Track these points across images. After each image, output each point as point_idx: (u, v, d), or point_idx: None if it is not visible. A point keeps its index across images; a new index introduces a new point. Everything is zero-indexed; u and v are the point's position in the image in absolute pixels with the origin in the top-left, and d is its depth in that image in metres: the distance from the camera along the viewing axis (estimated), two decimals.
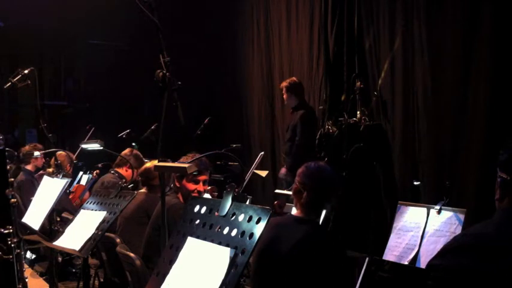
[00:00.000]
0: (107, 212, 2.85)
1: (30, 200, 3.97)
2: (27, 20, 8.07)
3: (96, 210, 2.97)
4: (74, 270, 5.32)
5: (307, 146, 5.44)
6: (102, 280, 4.03)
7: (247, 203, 4.04)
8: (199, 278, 1.52)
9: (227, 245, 1.52)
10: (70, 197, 5.69)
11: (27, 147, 5.67)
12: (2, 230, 0.95)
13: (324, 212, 3.22)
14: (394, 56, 4.73)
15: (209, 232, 1.62)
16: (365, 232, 4.51)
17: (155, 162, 2.35)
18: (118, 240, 3.35)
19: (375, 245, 4.12)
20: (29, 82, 4.40)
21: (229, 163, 6.44)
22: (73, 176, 6.25)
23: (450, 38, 4.15)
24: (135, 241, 3.46)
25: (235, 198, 1.62)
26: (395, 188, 4.62)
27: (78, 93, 10.18)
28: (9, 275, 0.95)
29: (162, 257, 1.75)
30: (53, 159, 5.18)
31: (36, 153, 5.39)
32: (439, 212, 2.66)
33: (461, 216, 2.57)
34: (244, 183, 4.46)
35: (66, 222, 3.23)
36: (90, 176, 6.39)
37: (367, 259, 2.17)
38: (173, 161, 2.47)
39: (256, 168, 5.70)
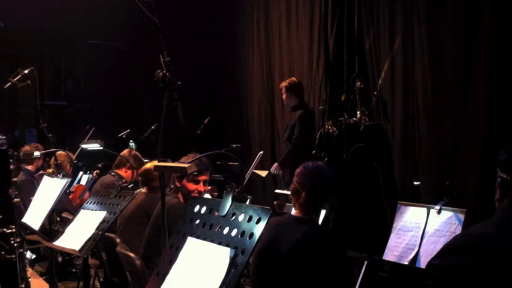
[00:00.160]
0: (107, 212, 2.85)
1: (30, 200, 3.97)
2: (27, 20, 8.07)
3: (96, 210, 2.97)
4: (74, 270, 5.33)
5: (304, 145, 5.47)
6: (102, 280, 4.03)
7: (247, 203, 4.04)
8: (199, 278, 1.52)
9: (227, 245, 1.52)
10: (70, 197, 5.69)
11: (27, 147, 5.67)
12: (5, 230, 0.96)
13: (323, 212, 3.23)
14: (394, 56, 4.72)
15: (209, 232, 1.62)
16: (365, 232, 4.51)
17: (155, 163, 2.36)
18: (118, 240, 3.35)
19: (374, 245, 4.12)
20: (29, 82, 4.39)
21: (229, 163, 6.44)
22: (73, 176, 6.25)
23: (450, 38, 4.15)
24: (135, 241, 3.46)
25: (235, 198, 1.62)
26: (395, 188, 4.62)
27: (78, 93, 10.18)
28: (12, 274, 0.96)
29: (162, 257, 1.75)
30: (52, 159, 5.19)
31: (36, 153, 5.39)
32: (439, 212, 2.66)
33: (461, 216, 2.57)
34: (244, 182, 4.46)
35: (66, 222, 3.23)
36: (90, 176, 6.40)
37: (367, 259, 2.18)
38: (173, 161, 2.48)
39: (256, 168, 5.71)
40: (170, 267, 1.63)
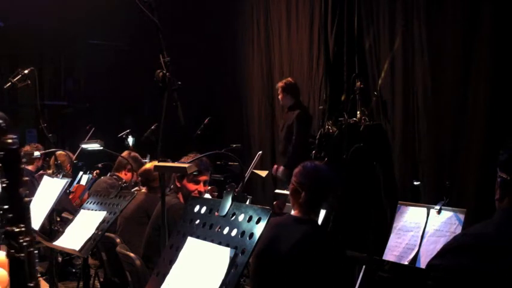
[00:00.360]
0: (107, 212, 2.85)
1: (30, 200, 3.96)
2: (27, 20, 8.07)
3: (96, 210, 2.97)
4: (74, 270, 5.32)
5: (303, 145, 5.48)
6: (102, 280, 4.03)
7: (247, 203, 4.04)
8: (199, 278, 1.52)
9: (227, 245, 1.52)
10: (70, 197, 5.68)
11: (27, 148, 5.67)
12: (14, 229, 0.97)
13: (323, 212, 3.23)
14: (394, 56, 4.72)
15: (209, 232, 1.62)
16: (365, 232, 4.51)
17: (155, 163, 2.36)
18: (118, 240, 3.35)
19: (374, 245, 4.12)
20: (29, 82, 4.40)
21: (229, 163, 6.44)
22: (73, 176, 6.25)
23: (450, 38, 4.15)
24: (135, 241, 3.46)
25: (235, 198, 1.62)
26: (395, 188, 4.62)
27: (78, 93, 10.19)
28: (20, 272, 0.97)
29: (162, 257, 1.75)
30: (52, 159, 5.19)
31: (36, 153, 5.39)
32: (439, 212, 2.66)
33: (461, 216, 2.57)
34: (242, 182, 4.46)
35: (66, 222, 3.23)
36: (90, 176, 6.39)
37: (367, 259, 2.17)
38: (173, 161, 2.48)
39: (255, 168, 5.71)
40: (170, 267, 1.63)
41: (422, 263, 2.58)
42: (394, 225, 2.83)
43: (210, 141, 6.82)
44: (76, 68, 10.19)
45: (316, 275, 2.33)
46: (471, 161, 3.91)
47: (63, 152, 5.78)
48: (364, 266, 2.40)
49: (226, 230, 1.57)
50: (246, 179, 4.60)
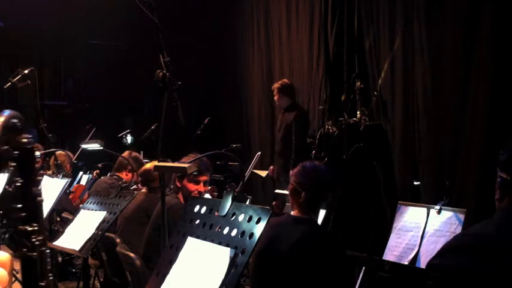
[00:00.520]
0: (107, 212, 2.85)
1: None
2: (27, 20, 8.07)
3: (96, 210, 2.97)
4: (74, 270, 5.32)
5: (304, 145, 5.50)
6: (102, 280, 4.03)
7: (247, 203, 4.04)
8: (199, 278, 1.52)
9: (227, 245, 1.52)
10: (70, 197, 5.68)
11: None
12: (27, 228, 0.97)
13: (323, 212, 3.23)
14: (394, 56, 4.72)
15: (209, 232, 1.62)
16: (365, 232, 4.51)
17: (155, 163, 2.36)
18: (118, 240, 3.35)
19: (375, 245, 4.12)
20: (29, 82, 4.40)
21: (229, 163, 6.44)
22: (73, 176, 6.25)
23: (450, 38, 4.15)
24: (135, 241, 3.46)
25: (235, 198, 1.62)
26: (395, 188, 4.62)
27: (78, 93, 10.19)
28: (32, 272, 0.97)
29: (162, 257, 1.75)
30: (52, 159, 5.19)
31: (36, 153, 5.39)
32: (439, 212, 2.66)
33: (461, 216, 2.57)
34: (242, 182, 4.46)
35: (66, 222, 3.23)
36: (90, 176, 6.39)
37: (367, 259, 2.17)
38: (173, 161, 2.48)
39: (255, 168, 5.72)
40: (170, 267, 1.63)
41: (422, 263, 2.58)
42: (394, 225, 2.83)
43: (210, 141, 6.82)
44: (76, 68, 10.19)
45: (316, 274, 2.33)
46: (471, 161, 3.91)
47: (63, 152, 5.78)
48: (364, 266, 2.40)
49: (226, 230, 1.57)
50: (246, 179, 4.60)
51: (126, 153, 5.10)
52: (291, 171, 5.56)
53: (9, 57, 9.16)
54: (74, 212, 3.48)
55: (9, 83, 4.40)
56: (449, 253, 1.50)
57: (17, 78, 4.37)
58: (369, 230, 4.52)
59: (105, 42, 9.12)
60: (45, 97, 9.39)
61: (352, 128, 4.73)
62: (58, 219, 4.59)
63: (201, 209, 1.72)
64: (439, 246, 2.23)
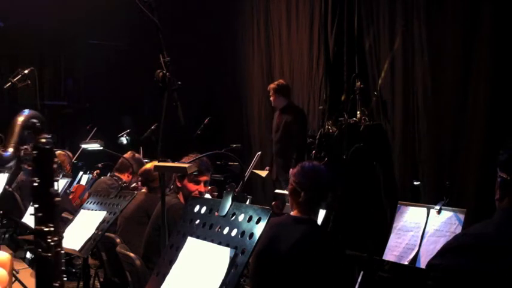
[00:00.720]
0: (107, 212, 2.85)
1: (30, 200, 3.95)
2: (27, 20, 8.07)
3: (96, 210, 2.97)
4: (74, 270, 5.32)
5: (304, 144, 5.51)
6: (102, 280, 4.03)
7: (247, 203, 4.04)
8: (199, 278, 1.52)
9: (227, 245, 1.52)
10: (70, 197, 5.68)
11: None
12: (43, 228, 0.97)
13: (323, 212, 3.23)
14: (394, 56, 4.72)
15: (209, 232, 1.62)
16: (365, 232, 4.51)
17: (155, 163, 2.36)
18: (118, 240, 3.35)
19: (375, 245, 4.12)
20: (29, 82, 4.40)
21: (229, 163, 6.45)
22: (73, 176, 6.25)
23: (450, 38, 4.15)
24: (135, 241, 3.46)
25: (235, 198, 1.62)
26: (395, 188, 4.62)
27: (78, 93, 10.19)
28: (46, 272, 0.97)
29: (162, 257, 1.75)
30: None
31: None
32: (439, 212, 2.66)
33: (461, 216, 2.57)
34: (242, 182, 4.46)
35: (66, 222, 3.23)
36: (90, 176, 6.39)
37: (367, 259, 2.18)
38: (173, 161, 2.48)
39: (255, 168, 5.72)
40: (170, 267, 1.63)
41: (422, 263, 2.58)
42: (394, 225, 2.83)
43: (210, 141, 6.82)
44: (76, 68, 10.19)
45: (316, 274, 2.33)
46: (471, 161, 3.91)
47: (63, 152, 5.77)
48: (364, 266, 2.41)
49: (226, 230, 1.57)
50: (246, 179, 4.60)
51: (128, 154, 5.07)
52: (290, 170, 5.62)
53: (9, 57, 9.16)
54: (74, 212, 3.48)
55: (9, 83, 4.41)
56: (449, 253, 1.50)
57: (17, 78, 4.37)
58: (369, 230, 4.52)
59: (105, 42, 9.12)
60: (45, 97, 9.39)
61: (352, 128, 4.73)
62: None
63: (201, 209, 1.72)
64: (439, 246, 2.23)
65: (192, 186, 3.26)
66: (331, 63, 5.55)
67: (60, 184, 3.55)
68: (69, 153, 6.04)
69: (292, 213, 2.59)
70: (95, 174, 6.35)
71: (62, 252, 0.98)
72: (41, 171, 0.98)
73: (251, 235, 1.48)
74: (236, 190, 1.66)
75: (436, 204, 2.69)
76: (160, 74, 2.25)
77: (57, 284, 0.96)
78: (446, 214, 2.63)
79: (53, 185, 0.99)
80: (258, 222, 1.49)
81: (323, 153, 4.88)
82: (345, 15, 5.34)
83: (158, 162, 2.29)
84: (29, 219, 3.75)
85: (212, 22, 8.39)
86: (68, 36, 8.90)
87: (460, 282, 1.42)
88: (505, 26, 3.69)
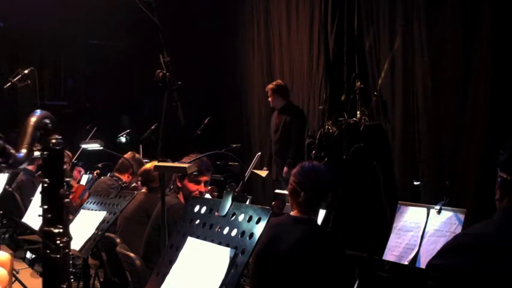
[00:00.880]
0: (107, 212, 2.85)
1: (30, 200, 3.96)
2: (27, 20, 8.07)
3: (96, 210, 2.97)
4: (74, 270, 5.31)
5: (303, 144, 5.53)
6: (102, 280, 4.03)
7: (247, 203, 4.04)
8: (199, 278, 1.52)
9: (227, 245, 1.52)
10: (70, 197, 5.67)
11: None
12: (52, 229, 0.96)
13: (323, 212, 3.23)
14: (394, 56, 4.72)
15: (209, 232, 1.62)
16: (365, 232, 4.51)
17: (155, 163, 2.36)
18: (118, 240, 3.35)
19: (375, 245, 4.12)
20: (29, 82, 4.40)
21: (229, 163, 6.45)
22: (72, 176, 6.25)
23: (450, 38, 4.15)
24: (135, 241, 3.46)
25: (235, 198, 1.62)
26: (395, 188, 4.62)
27: (78, 93, 10.19)
28: (54, 273, 0.96)
29: (162, 257, 1.75)
30: None
31: (37, 153, 5.38)
32: (439, 212, 2.66)
33: (461, 216, 2.57)
34: (242, 182, 4.46)
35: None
36: (90, 176, 6.39)
37: (367, 259, 2.18)
38: (173, 161, 2.47)
39: (255, 168, 5.72)
40: (170, 267, 1.63)
41: (422, 263, 2.59)
42: (394, 225, 2.83)
43: (210, 141, 6.82)
44: (76, 68, 10.18)
45: (316, 274, 2.33)
46: (471, 161, 3.91)
47: None
48: (364, 266, 2.41)
49: (226, 230, 1.57)
50: (246, 179, 4.60)
51: (128, 155, 5.06)
52: (285, 169, 5.64)
53: (9, 57, 9.16)
54: (74, 212, 3.48)
55: (9, 83, 4.41)
56: (449, 253, 1.49)
57: (17, 78, 4.37)
58: (369, 230, 4.52)
59: (105, 42, 9.12)
60: (45, 97, 9.39)
61: (352, 128, 4.73)
62: None
63: (201, 209, 1.72)
64: (439, 246, 2.23)
65: (192, 186, 3.26)
66: (331, 63, 5.55)
67: None
68: (69, 153, 6.03)
69: (292, 213, 2.59)
70: (95, 174, 6.34)
71: (71, 253, 0.98)
72: (50, 172, 0.97)
73: (251, 235, 1.48)
74: (236, 190, 1.66)
75: (436, 204, 2.69)
76: (160, 74, 2.25)
77: (64, 286, 0.96)
78: (446, 214, 2.63)
79: (62, 186, 0.98)
80: (258, 222, 1.49)
81: (323, 153, 4.88)
82: (345, 15, 5.34)
83: (158, 162, 2.29)
84: (29, 219, 3.75)
85: (212, 22, 8.39)
86: (68, 36, 8.90)
87: (460, 282, 1.42)
88: (505, 26, 3.69)
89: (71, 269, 0.99)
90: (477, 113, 3.89)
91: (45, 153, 0.95)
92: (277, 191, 4.74)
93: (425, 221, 2.69)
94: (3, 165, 0.93)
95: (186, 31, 8.09)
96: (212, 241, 1.58)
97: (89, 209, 3.03)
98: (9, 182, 5.16)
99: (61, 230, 0.97)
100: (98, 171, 6.39)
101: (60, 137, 0.97)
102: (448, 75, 4.18)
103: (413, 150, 4.49)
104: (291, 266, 2.35)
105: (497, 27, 3.74)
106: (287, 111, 5.82)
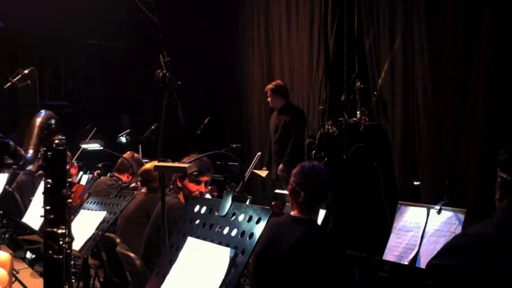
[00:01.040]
0: (107, 212, 2.85)
1: (30, 200, 3.96)
2: (27, 20, 8.07)
3: (96, 210, 2.97)
4: (74, 270, 5.31)
5: (303, 144, 5.53)
6: (102, 280, 4.03)
7: (247, 203, 4.04)
8: (199, 278, 1.52)
9: (227, 245, 1.52)
10: (71, 196, 5.66)
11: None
12: (55, 230, 0.96)
13: (323, 212, 3.23)
14: (394, 56, 4.72)
15: (209, 232, 1.62)
16: (365, 232, 4.51)
17: (155, 163, 2.35)
18: (118, 240, 3.35)
19: (375, 245, 4.12)
20: (29, 82, 4.39)
21: (229, 163, 6.45)
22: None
23: (450, 38, 4.15)
24: (135, 241, 3.46)
25: (235, 198, 1.62)
26: (395, 188, 4.62)
27: (78, 93, 10.19)
28: (57, 274, 0.96)
29: (162, 257, 1.75)
30: None
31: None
32: (439, 212, 2.66)
33: (461, 216, 2.57)
34: (242, 182, 4.46)
35: None
36: (90, 176, 6.39)
37: (367, 259, 2.18)
38: (173, 161, 2.48)
39: (255, 168, 5.72)
40: (170, 267, 1.63)
41: (422, 263, 2.59)
42: (394, 225, 2.83)
43: (210, 141, 6.82)
44: (76, 68, 10.19)
45: (316, 274, 2.33)
46: (471, 161, 3.91)
47: None
48: (364, 266, 2.41)
49: (226, 230, 1.56)
50: (246, 179, 4.60)
51: (127, 154, 5.06)
52: (280, 167, 5.65)
53: (9, 57, 9.16)
54: (74, 212, 3.49)
55: (9, 83, 4.40)
56: (449, 253, 1.49)
57: (17, 78, 4.37)
58: (369, 230, 4.52)
59: (105, 42, 9.12)
60: (45, 97, 9.39)
61: (352, 128, 4.72)
62: None
63: (201, 209, 1.72)
64: (439, 246, 2.23)
65: (192, 187, 3.26)
66: (331, 63, 5.55)
67: None
68: (69, 153, 6.03)
69: (292, 213, 2.59)
70: (96, 174, 6.34)
71: (72, 254, 0.98)
72: (53, 172, 0.97)
73: (251, 235, 1.48)
74: (236, 190, 1.66)
75: (436, 204, 2.70)
76: (160, 74, 2.25)
77: (66, 287, 0.96)
78: (446, 214, 2.63)
79: (65, 187, 0.98)
80: (258, 222, 1.49)
81: (323, 153, 4.88)
82: (345, 15, 5.34)
83: (158, 162, 2.29)
84: (29, 219, 3.74)
85: (212, 22, 8.39)
86: (68, 36, 8.90)
87: (460, 282, 1.42)
88: (505, 26, 3.69)
89: (71, 269, 0.99)
90: (477, 113, 3.89)
91: (48, 153, 0.95)
92: (277, 191, 4.74)
93: (425, 221, 2.69)
94: (14, 166, 0.93)
95: (186, 31, 8.09)
96: (212, 241, 1.58)
97: (89, 209, 3.03)
98: (9, 182, 5.15)
99: (64, 231, 0.97)
100: (99, 171, 6.40)
101: (64, 137, 0.97)
102: (448, 75, 4.18)
103: (413, 150, 4.49)
104: (291, 266, 2.35)
105: (497, 27, 3.74)
106: (287, 112, 5.83)
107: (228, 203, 1.62)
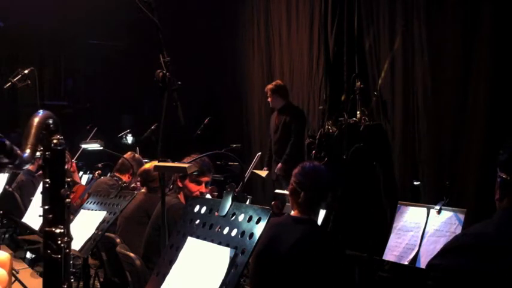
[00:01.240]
0: (107, 212, 2.85)
1: (30, 200, 3.96)
2: (27, 20, 8.08)
3: (96, 210, 2.97)
4: (74, 270, 5.31)
5: (303, 144, 5.54)
6: (102, 280, 4.03)
7: (247, 203, 4.04)
8: (199, 278, 1.52)
9: (227, 245, 1.52)
10: (71, 196, 5.66)
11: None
12: (54, 230, 0.96)
13: (323, 212, 3.23)
14: (394, 56, 4.72)
15: (209, 232, 1.62)
16: (365, 232, 4.51)
17: (155, 163, 2.36)
18: (118, 240, 3.35)
19: (375, 245, 4.12)
20: (29, 82, 4.40)
21: (229, 163, 6.45)
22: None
23: (450, 38, 4.15)
24: (135, 241, 3.46)
25: (235, 198, 1.62)
26: (395, 188, 4.62)
27: (78, 93, 10.20)
28: (55, 274, 0.96)
29: (162, 257, 1.75)
30: None
31: (36, 153, 5.38)
32: (439, 212, 2.66)
33: (461, 216, 2.57)
34: (242, 182, 4.46)
35: None
36: (91, 176, 6.39)
37: (367, 259, 2.18)
38: (173, 161, 2.48)
39: (255, 168, 5.72)
40: (170, 267, 1.63)
41: (422, 263, 2.59)
42: (394, 225, 2.83)
43: (210, 141, 6.82)
44: (76, 68, 10.19)
45: (316, 274, 2.33)
46: (471, 161, 3.91)
47: None
48: (364, 266, 2.41)
49: (226, 230, 1.57)
50: (246, 179, 4.59)
51: (128, 155, 5.05)
52: (278, 165, 5.65)
53: (9, 57, 9.16)
54: (74, 212, 3.49)
55: (9, 83, 4.41)
56: (449, 253, 1.49)
57: (17, 78, 4.37)
58: (369, 230, 4.52)
59: (105, 42, 9.13)
60: (45, 97, 9.40)
61: (352, 128, 4.72)
62: None
63: (201, 209, 1.72)
64: (439, 246, 2.23)
65: (193, 187, 3.26)
66: (331, 63, 5.55)
67: None
68: (68, 153, 6.03)
69: (292, 213, 2.59)
70: (96, 174, 6.34)
71: (71, 254, 0.98)
72: (52, 172, 0.97)
73: (251, 235, 1.48)
74: (236, 190, 1.66)
75: (436, 204, 2.70)
76: (160, 74, 2.25)
77: (65, 286, 0.96)
78: (446, 214, 2.63)
79: (64, 186, 0.99)
80: (258, 222, 1.49)
81: (323, 153, 4.88)
82: (345, 15, 5.34)
83: (158, 162, 2.29)
84: (29, 219, 3.74)
85: (212, 22, 8.39)
86: (68, 36, 8.91)
87: (460, 282, 1.42)
88: (505, 26, 3.69)
89: (71, 269, 0.99)
90: (477, 113, 3.89)
91: (47, 153, 0.95)
92: (277, 191, 4.74)
93: (425, 221, 2.69)
94: (10, 166, 0.93)
95: (186, 31, 8.09)
96: (212, 241, 1.58)
97: (89, 209, 3.04)
98: (9, 182, 5.16)
99: (62, 230, 0.97)
100: (100, 171, 6.40)
101: (62, 137, 0.97)
102: (448, 75, 4.18)
103: (413, 150, 4.49)
104: (291, 266, 2.35)
105: (497, 27, 3.74)
106: (286, 112, 5.84)
107: (228, 203, 1.62)
